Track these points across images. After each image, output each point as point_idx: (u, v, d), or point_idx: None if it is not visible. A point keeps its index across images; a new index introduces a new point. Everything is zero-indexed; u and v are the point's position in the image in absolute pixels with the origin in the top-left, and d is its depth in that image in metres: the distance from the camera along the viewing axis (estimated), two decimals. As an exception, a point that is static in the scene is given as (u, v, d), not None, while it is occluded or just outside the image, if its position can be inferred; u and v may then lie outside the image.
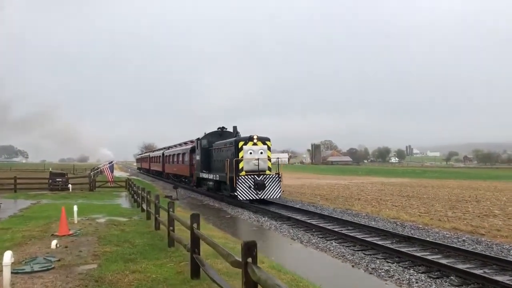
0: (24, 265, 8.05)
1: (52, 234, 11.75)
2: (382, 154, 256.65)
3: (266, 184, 23.61)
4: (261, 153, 24.52)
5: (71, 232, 11.98)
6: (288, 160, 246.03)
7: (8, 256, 6.15)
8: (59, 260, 8.60)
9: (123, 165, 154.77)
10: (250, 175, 23.60)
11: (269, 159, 25.08)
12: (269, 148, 25.18)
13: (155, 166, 58.44)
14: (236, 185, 23.09)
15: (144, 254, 9.42)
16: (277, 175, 24.34)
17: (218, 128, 30.99)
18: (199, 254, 7.29)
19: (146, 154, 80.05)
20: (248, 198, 23.26)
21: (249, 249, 4.41)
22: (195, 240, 7.27)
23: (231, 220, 18.43)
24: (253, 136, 24.66)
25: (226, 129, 30.72)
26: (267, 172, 24.57)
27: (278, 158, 26.52)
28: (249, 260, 4.40)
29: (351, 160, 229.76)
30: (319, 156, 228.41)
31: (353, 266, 10.55)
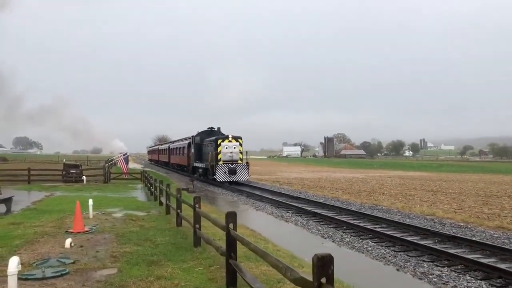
0: (35, 269, 7.09)
1: (66, 231, 10.84)
2: (396, 148, 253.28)
3: (237, 171, 31.68)
4: (234, 148, 32.52)
5: (86, 228, 11.05)
6: (301, 153, 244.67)
7: (14, 264, 5.16)
8: (74, 263, 7.63)
9: (136, 157, 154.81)
10: (225, 164, 31.58)
11: (241, 152, 32.91)
12: (241, 145, 33.01)
13: (163, 157, 65.56)
14: (215, 171, 31.27)
15: (168, 256, 8.43)
16: (246, 164, 32.49)
17: (208, 128, 38.97)
18: (236, 260, 6.25)
19: (156, 147, 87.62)
20: (224, 180, 31.17)
21: (324, 265, 3.34)
22: (232, 243, 6.23)
23: (254, 215, 17.40)
24: (228, 135, 33.05)
25: (214, 129, 38.57)
26: (239, 162, 32.36)
27: (247, 151, 34.02)
28: (323, 280, 3.34)
29: (365, 153, 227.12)
30: (332, 150, 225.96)
31: (397, 269, 9.44)
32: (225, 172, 31.18)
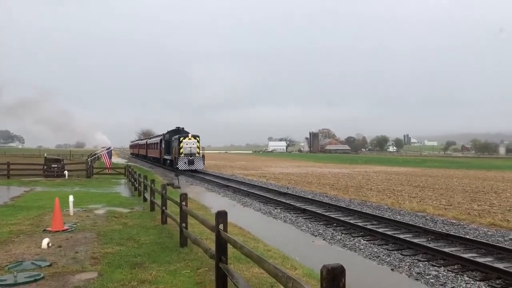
0: (6, 273, 6.51)
1: (44, 230, 10.22)
2: (380, 143, 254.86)
3: (194, 161, 40.81)
4: (193, 144, 41.49)
5: (66, 227, 10.44)
6: (286, 148, 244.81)
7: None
8: (50, 265, 7.07)
9: (120, 152, 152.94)
10: (186, 156, 40.53)
11: (198, 148, 42.12)
12: (198, 141, 42.26)
13: (142, 151, 74.38)
14: (177, 161, 40.20)
15: (153, 256, 7.92)
16: (202, 156, 42.06)
17: (176, 127, 47.65)
18: (226, 263, 5.78)
19: (136, 142, 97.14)
20: (184, 169, 39.23)
21: (335, 278, 2.90)
22: (223, 245, 5.75)
23: (241, 212, 16.93)
24: (189, 134, 42.73)
25: (180, 128, 47.29)
26: (196, 154, 41.44)
27: (203, 147, 43.75)
28: (333, 295, 2.91)
29: (349, 148, 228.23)
30: (317, 145, 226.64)
31: (392, 269, 9.10)
32: (185, 163, 40.11)
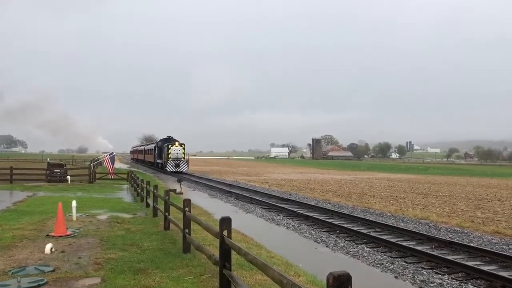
0: (9, 278, 6.49)
1: (47, 235, 10.20)
2: (383, 150, 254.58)
3: (180, 165, 48.88)
4: (179, 150, 49.79)
5: (69, 232, 10.43)
6: (289, 155, 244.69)
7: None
8: (53, 271, 7.05)
9: (123, 157, 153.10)
10: (173, 160, 48.90)
11: (183, 153, 50.42)
12: (184, 148, 50.60)
13: (140, 156, 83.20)
14: (166, 165, 49.08)
15: (156, 263, 7.90)
16: (186, 161, 50.59)
17: (167, 136, 56.07)
18: (230, 270, 5.76)
19: (136, 148, 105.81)
20: (171, 171, 47.49)
21: (341, 286, 2.89)
22: (226, 251, 5.74)
23: (243, 218, 16.88)
24: (176, 142, 51.28)
25: (171, 137, 55.72)
26: (182, 159, 49.73)
27: (188, 153, 52.78)
28: (340, 303, 2.89)
29: (352, 155, 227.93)
30: (320, 151, 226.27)
31: (396, 277, 9.04)
32: (172, 165, 48.47)
